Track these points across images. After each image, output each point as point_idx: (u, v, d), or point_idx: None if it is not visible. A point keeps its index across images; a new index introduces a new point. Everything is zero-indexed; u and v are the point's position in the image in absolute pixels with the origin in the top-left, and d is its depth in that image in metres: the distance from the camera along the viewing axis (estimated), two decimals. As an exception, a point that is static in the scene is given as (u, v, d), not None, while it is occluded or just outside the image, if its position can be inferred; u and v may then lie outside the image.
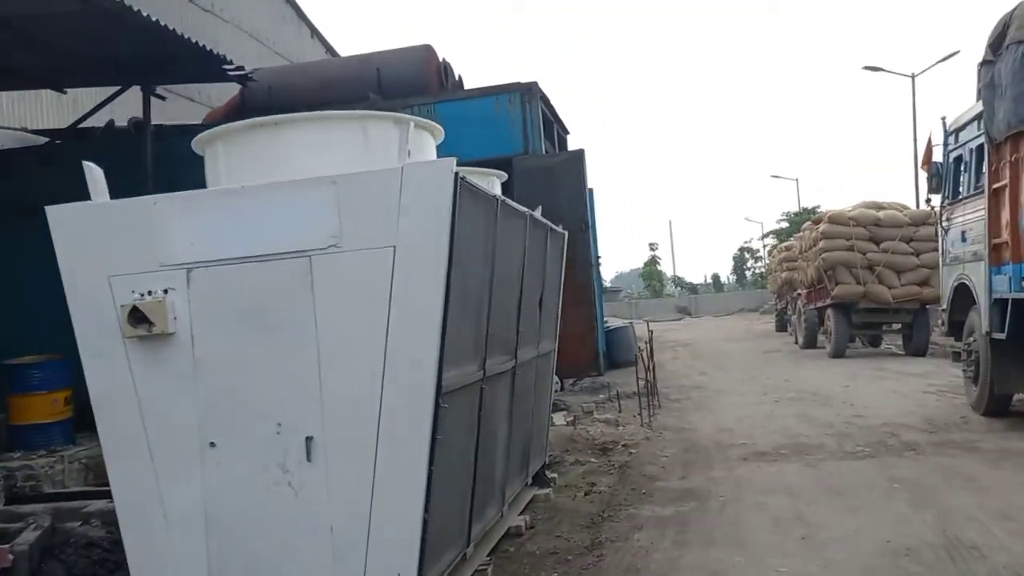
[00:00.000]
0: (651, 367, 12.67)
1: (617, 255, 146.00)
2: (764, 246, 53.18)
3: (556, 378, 8.35)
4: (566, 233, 7.41)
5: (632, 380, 12.26)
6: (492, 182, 5.98)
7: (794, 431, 8.66)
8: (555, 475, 7.47)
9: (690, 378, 15.12)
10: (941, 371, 12.89)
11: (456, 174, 3.86)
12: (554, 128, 11.13)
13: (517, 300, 5.65)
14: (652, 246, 68.49)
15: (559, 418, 9.64)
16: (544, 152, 10.48)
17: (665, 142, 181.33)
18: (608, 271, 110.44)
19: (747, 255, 64.33)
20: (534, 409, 6.66)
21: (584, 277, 9.90)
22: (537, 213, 7.29)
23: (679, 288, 67.70)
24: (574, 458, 8.18)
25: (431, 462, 3.82)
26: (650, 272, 66.98)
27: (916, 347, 16.36)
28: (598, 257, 14.59)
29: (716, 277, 70.39)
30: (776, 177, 70.62)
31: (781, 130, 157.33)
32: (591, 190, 13.34)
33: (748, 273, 63.87)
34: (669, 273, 70.43)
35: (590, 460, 8.10)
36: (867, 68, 27.53)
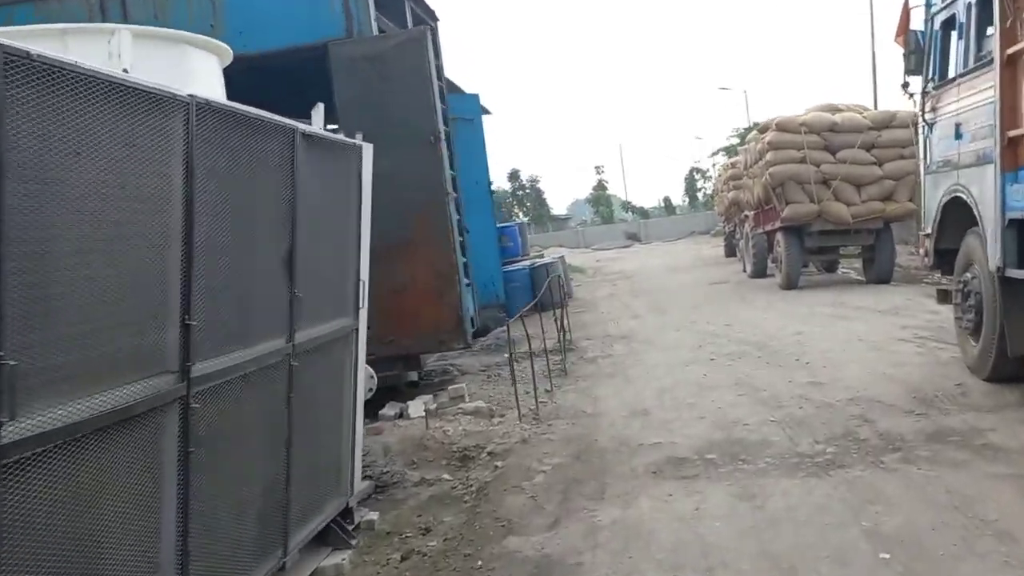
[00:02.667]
0: (563, 326, 10.24)
1: (570, 183, 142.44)
2: (713, 165, 50.59)
3: (370, 370, 5.74)
4: (363, 145, 4.72)
5: (552, 329, 9.87)
6: (157, 45, 3.21)
7: (729, 415, 6.23)
8: (374, 515, 5.04)
9: (620, 323, 12.72)
10: (914, 305, 10.58)
11: None
12: (404, 6, 8.03)
13: (181, 262, 3.00)
14: (599, 169, 65.26)
15: (416, 407, 7.08)
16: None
17: (610, 60, 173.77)
18: (563, 200, 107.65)
19: (697, 176, 61.79)
20: (303, 438, 4.08)
21: (436, 212, 7.04)
22: (317, 116, 4.68)
23: (630, 213, 65.14)
24: (420, 475, 5.75)
25: None
26: (598, 198, 64.25)
27: (879, 273, 14.06)
28: (491, 183, 11.77)
29: (667, 200, 67.77)
30: (724, 89, 67.25)
31: (728, 36, 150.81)
32: (475, 95, 10.52)
33: (700, 195, 61.42)
34: (622, 198, 67.82)
35: (441, 478, 5.66)
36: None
